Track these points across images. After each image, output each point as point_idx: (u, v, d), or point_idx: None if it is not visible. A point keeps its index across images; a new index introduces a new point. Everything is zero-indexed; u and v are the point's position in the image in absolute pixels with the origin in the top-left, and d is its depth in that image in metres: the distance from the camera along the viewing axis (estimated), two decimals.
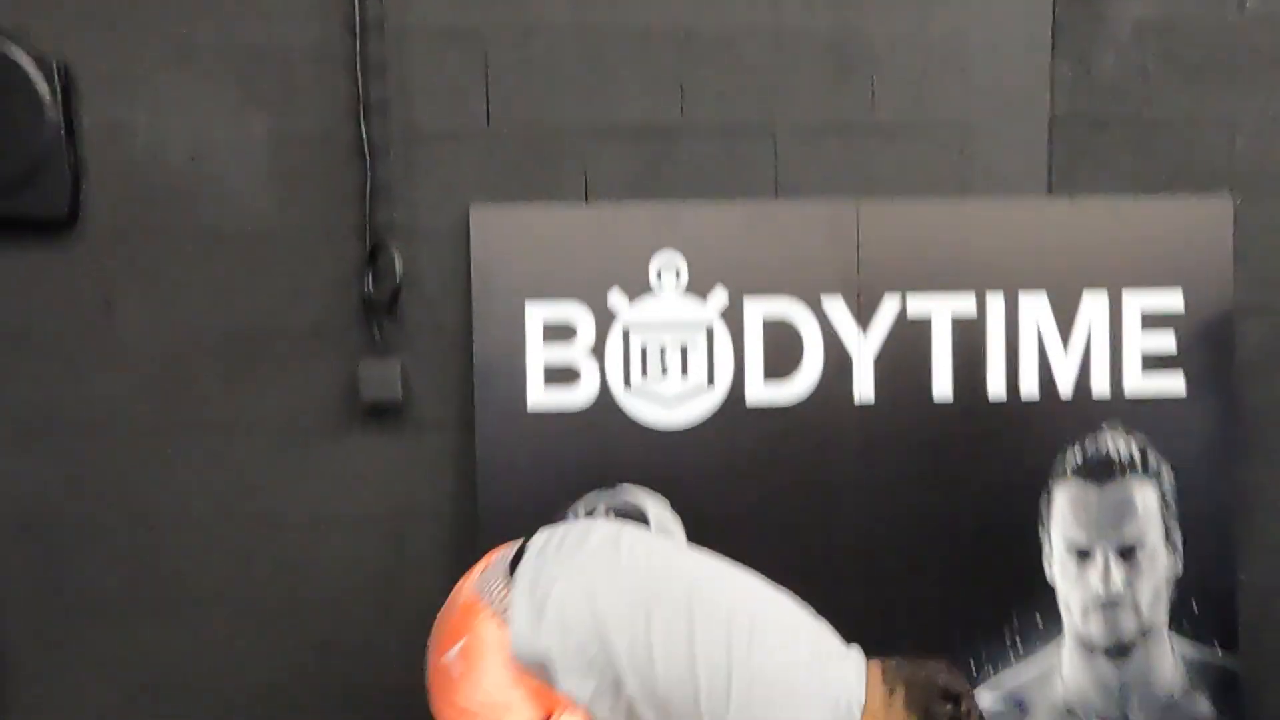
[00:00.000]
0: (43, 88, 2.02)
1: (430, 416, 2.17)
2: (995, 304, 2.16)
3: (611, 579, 1.37)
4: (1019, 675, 2.20)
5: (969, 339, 2.16)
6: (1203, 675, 2.21)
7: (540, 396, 2.11)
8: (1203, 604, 2.20)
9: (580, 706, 1.23)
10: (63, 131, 2.04)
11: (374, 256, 2.11)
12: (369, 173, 2.08)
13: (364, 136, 2.07)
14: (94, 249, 2.11)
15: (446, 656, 1.23)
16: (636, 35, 2.11)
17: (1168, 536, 2.20)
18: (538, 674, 1.21)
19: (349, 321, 2.13)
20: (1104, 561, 2.18)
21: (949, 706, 1.33)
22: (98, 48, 2.06)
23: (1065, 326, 2.17)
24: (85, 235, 2.10)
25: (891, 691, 1.36)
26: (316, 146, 2.10)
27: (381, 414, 2.15)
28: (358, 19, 2.05)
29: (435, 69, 2.10)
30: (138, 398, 2.14)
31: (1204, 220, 2.18)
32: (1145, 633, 2.20)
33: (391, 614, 2.20)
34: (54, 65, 2.02)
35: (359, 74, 2.06)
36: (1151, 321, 2.19)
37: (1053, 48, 2.13)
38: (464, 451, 2.15)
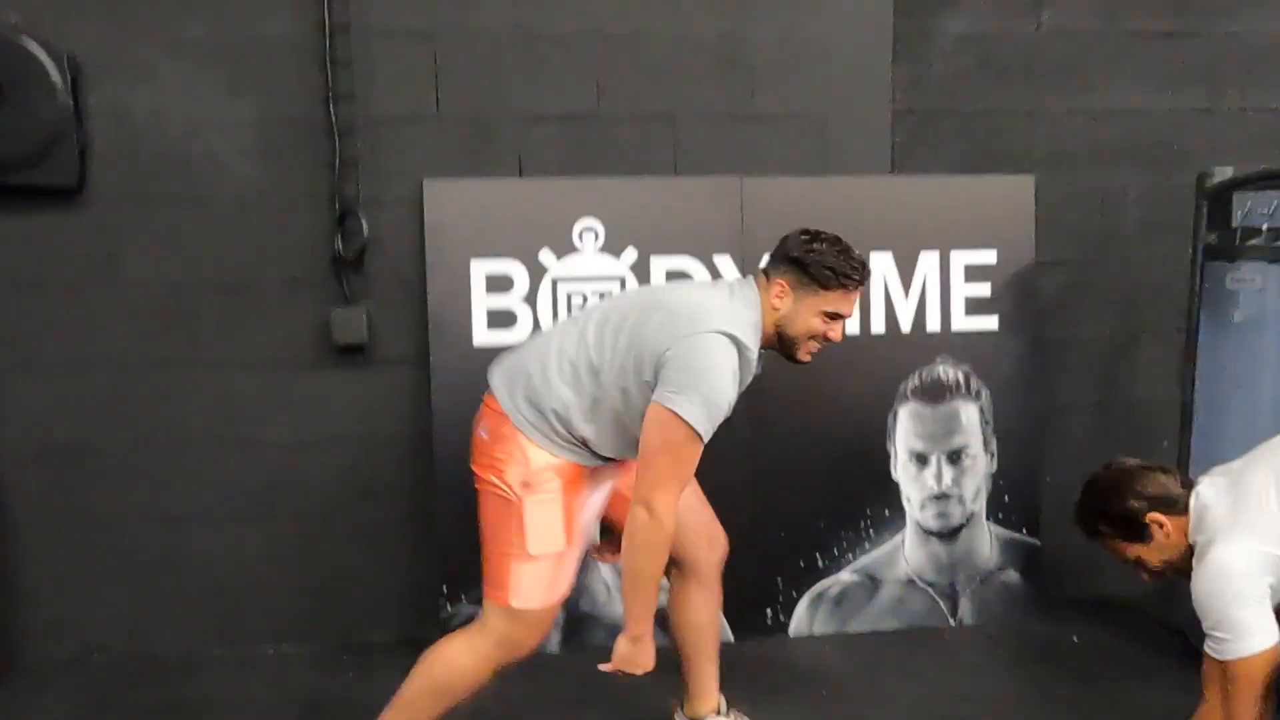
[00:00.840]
0: (54, 75, 2.37)
1: (391, 354, 2.60)
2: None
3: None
4: (872, 556, 2.75)
5: None
6: (1013, 553, 2.81)
7: (484, 336, 2.56)
8: (1013, 497, 2.79)
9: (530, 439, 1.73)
10: (72, 113, 2.40)
11: (343, 221, 2.53)
12: (338, 151, 2.49)
13: (333, 120, 2.49)
14: (98, 213, 2.48)
15: (480, 433, 1.79)
16: (562, 38, 2.57)
17: (986, 445, 2.78)
18: (524, 430, 1.74)
19: (323, 275, 2.55)
20: (937, 465, 2.75)
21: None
22: (102, 40, 2.42)
23: (906, 278, 2.72)
24: (91, 202, 2.47)
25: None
26: (294, 128, 2.50)
27: (350, 353, 2.58)
28: (327, 20, 2.46)
29: (393, 64, 2.52)
30: (139, 338, 2.52)
31: (1012, 194, 2.75)
32: (968, 520, 2.78)
33: (359, 519, 2.64)
34: (64, 55, 2.38)
35: (328, 67, 2.47)
36: (972, 274, 2.75)
37: (894, 55, 2.66)
38: (420, 383, 2.58)
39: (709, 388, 1.62)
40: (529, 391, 1.75)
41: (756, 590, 2.67)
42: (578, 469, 1.77)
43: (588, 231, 2.60)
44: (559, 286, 2.59)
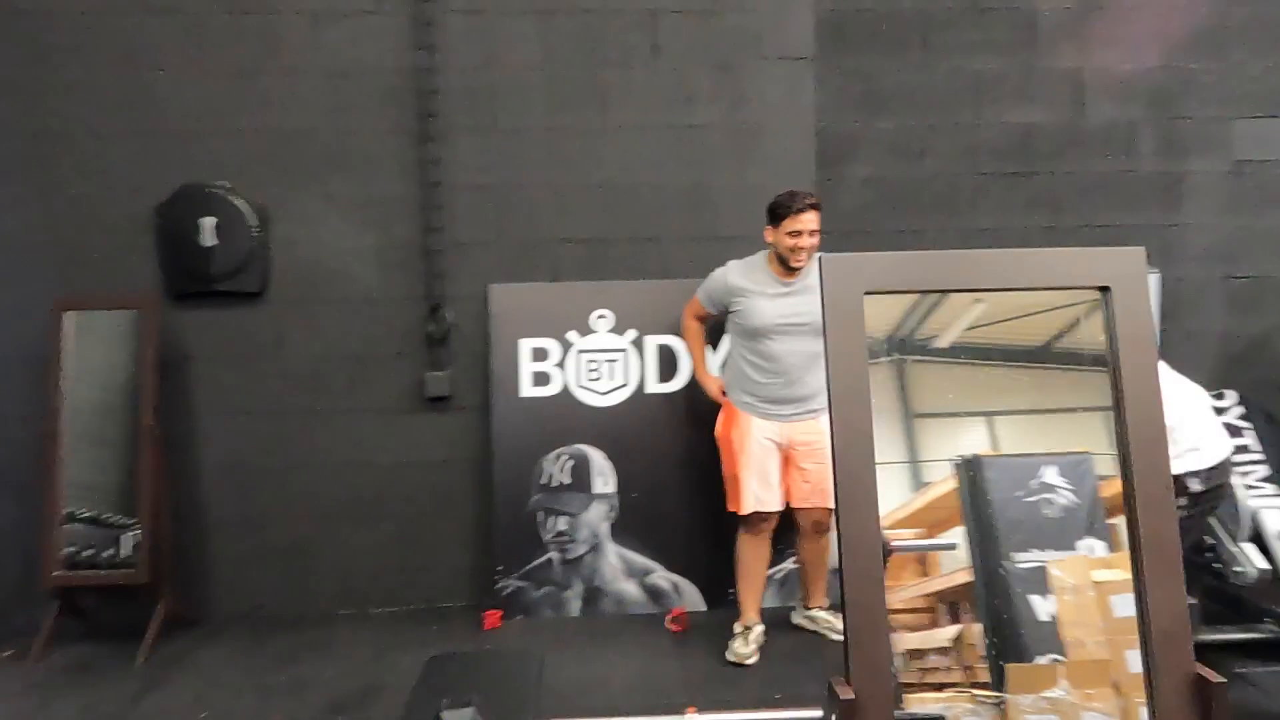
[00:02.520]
0: (250, 219, 3.62)
1: (464, 404, 3.74)
2: None
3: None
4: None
5: None
6: None
7: (528, 391, 3.69)
8: None
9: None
10: (260, 243, 3.64)
11: (434, 312, 3.70)
12: (430, 266, 3.68)
13: (428, 245, 3.68)
14: (273, 309, 3.69)
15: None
16: (582, 188, 3.73)
17: None
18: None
19: (419, 349, 3.72)
20: None
21: None
22: (280, 195, 3.67)
23: None
24: (269, 301, 3.69)
25: None
26: (402, 250, 3.70)
27: (437, 402, 3.72)
28: (425, 180, 3.67)
29: (468, 207, 3.71)
30: (296, 392, 3.71)
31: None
32: None
33: (440, 518, 3.75)
34: (257, 206, 3.63)
35: (425, 210, 3.68)
36: None
37: (815, 191, 3.76)
38: (484, 424, 3.71)
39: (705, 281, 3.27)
40: None
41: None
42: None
43: (601, 318, 3.72)
44: (581, 356, 3.72)
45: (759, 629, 3.24)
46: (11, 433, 3.53)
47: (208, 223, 3.59)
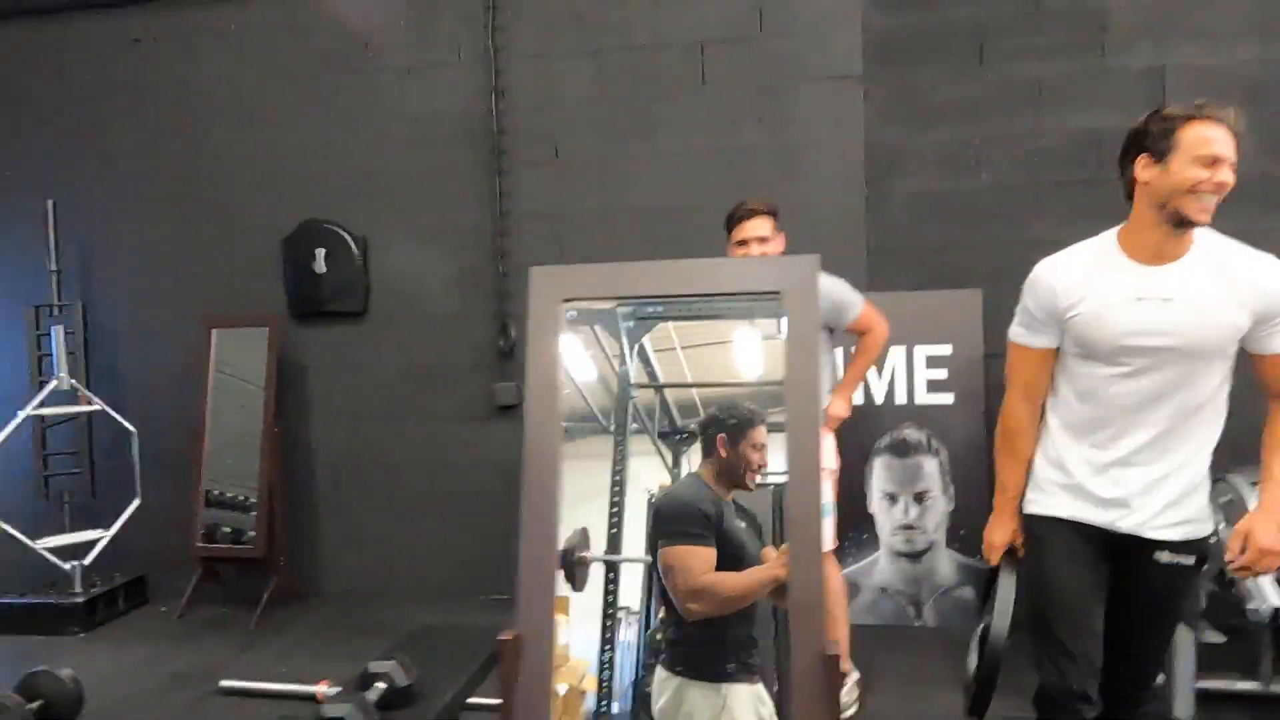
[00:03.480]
0: (354, 247, 4.20)
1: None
2: (840, 352, 3.79)
3: None
4: (852, 568, 3.75)
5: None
6: (967, 574, 3.66)
7: None
8: (967, 530, 3.66)
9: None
10: (362, 268, 4.21)
11: (503, 329, 4.10)
12: (500, 285, 4.08)
13: (499, 268, 4.08)
14: (372, 326, 4.25)
15: None
16: (635, 211, 3.98)
17: (945, 490, 3.69)
18: None
19: (491, 362, 4.13)
20: (904, 503, 3.71)
21: None
22: (377, 227, 4.22)
23: (879, 366, 3.75)
24: (369, 319, 4.25)
25: None
26: (476, 274, 4.13)
27: (506, 410, 4.10)
28: (496, 211, 4.07)
29: (533, 233, 4.08)
30: (388, 400, 4.23)
31: (964, 303, 3.70)
32: (930, 546, 3.69)
33: (508, 513, 4.10)
34: (358, 236, 4.20)
35: (496, 238, 4.09)
36: (934, 363, 3.72)
37: (866, 207, 3.77)
38: None
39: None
40: None
41: None
42: None
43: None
44: None
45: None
46: (170, 429, 4.30)
47: (320, 253, 4.21)
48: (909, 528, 3.72)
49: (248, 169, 4.33)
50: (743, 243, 2.85)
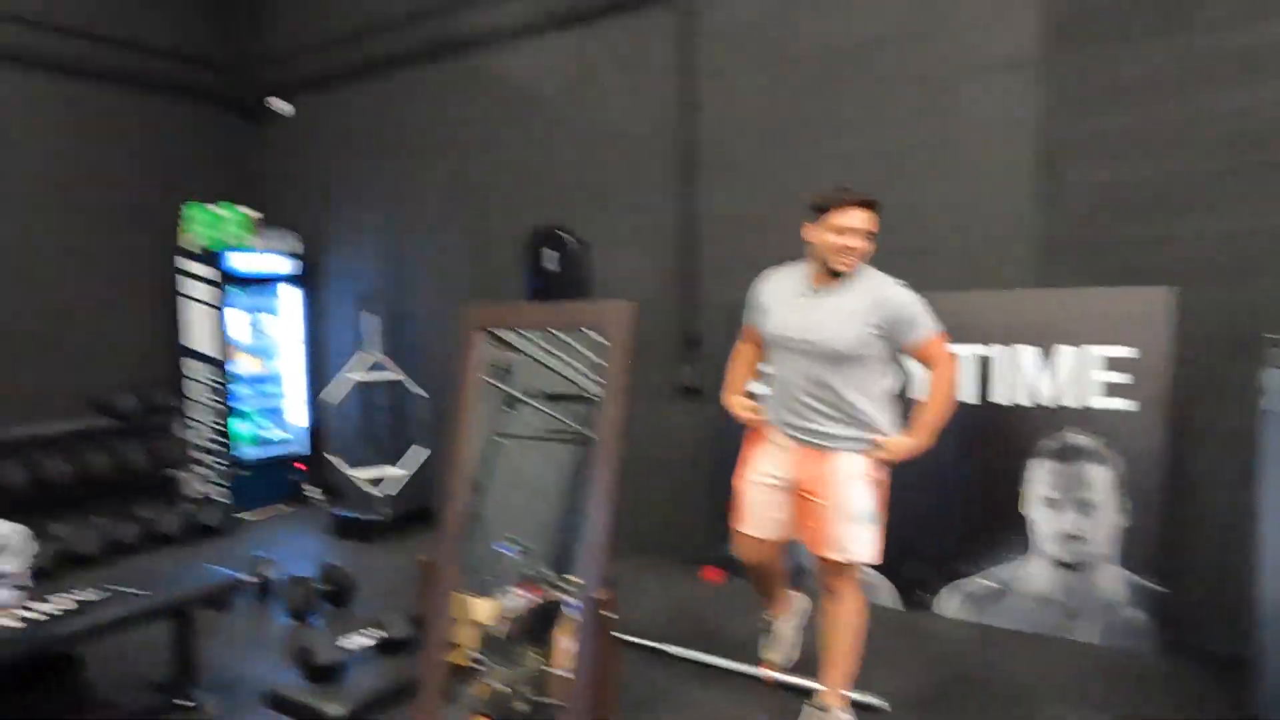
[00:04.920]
0: (579, 249, 4.97)
1: (709, 392, 4.55)
2: (1002, 350, 3.69)
3: None
4: (1006, 571, 3.67)
5: (984, 369, 3.73)
6: (1140, 595, 3.39)
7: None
8: (1143, 549, 3.39)
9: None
10: (584, 265, 4.96)
11: (690, 319, 4.59)
12: (688, 280, 4.57)
13: (690, 270, 4.57)
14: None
15: None
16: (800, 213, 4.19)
17: (1117, 502, 3.44)
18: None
19: (679, 349, 4.65)
20: (1067, 511, 3.54)
21: None
22: (594, 229, 4.93)
23: (1047, 365, 3.59)
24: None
25: None
26: (669, 274, 4.65)
27: (690, 391, 4.61)
28: (689, 212, 4.55)
29: (718, 233, 4.49)
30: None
31: (1151, 302, 3.38)
32: (1094, 559, 3.48)
33: (694, 475, 4.62)
34: (580, 238, 4.96)
35: (685, 238, 4.57)
36: (1115, 365, 3.46)
37: (1038, 201, 3.60)
38: (719, 410, 4.47)
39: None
40: None
41: (914, 578, 3.86)
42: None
43: None
44: None
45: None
46: (442, 397, 5.47)
47: (550, 254, 5.04)
48: (1071, 537, 3.55)
49: (502, 187, 5.30)
50: (842, 230, 2.55)
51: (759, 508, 2.81)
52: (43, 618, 2.75)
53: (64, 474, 5.01)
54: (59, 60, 5.50)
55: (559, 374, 2.18)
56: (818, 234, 2.63)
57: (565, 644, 2.05)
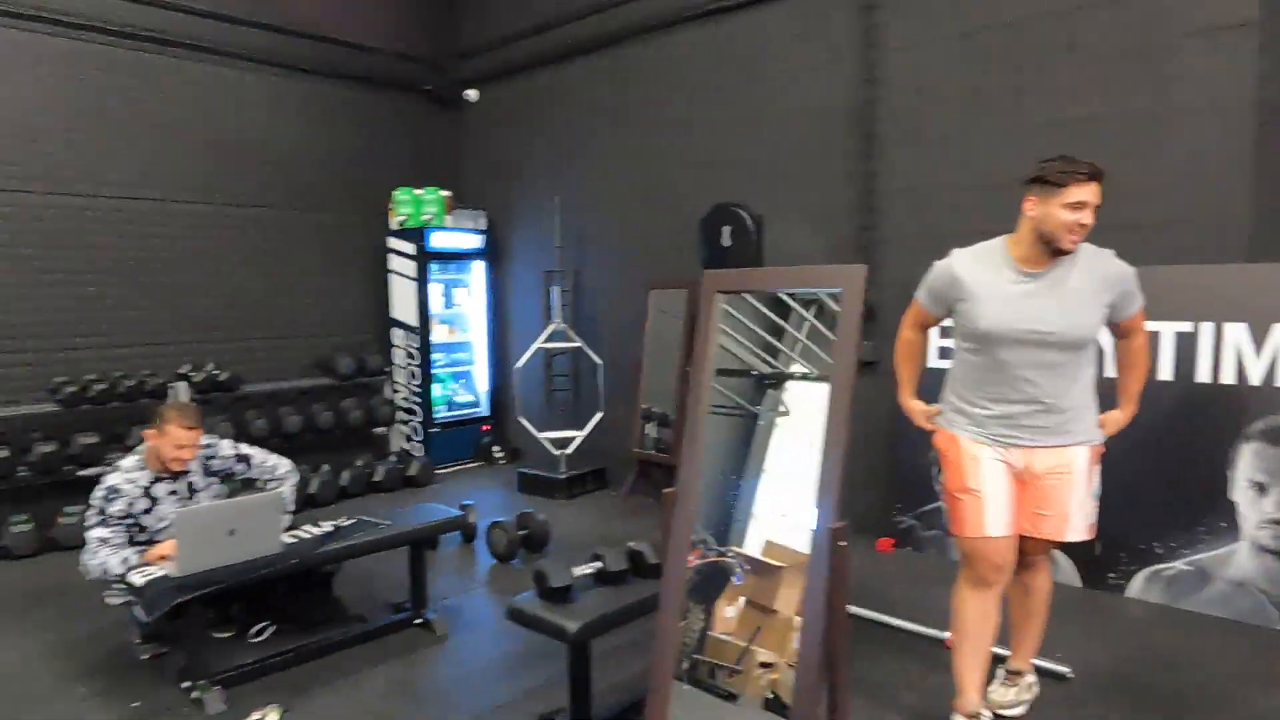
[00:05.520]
0: (750, 224, 5.13)
1: (886, 368, 4.60)
2: (1209, 327, 3.55)
3: None
4: (1205, 555, 3.55)
5: (1189, 346, 3.60)
6: None
7: (935, 362, 4.35)
8: None
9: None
10: (756, 240, 5.12)
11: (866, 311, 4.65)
12: (865, 255, 4.63)
13: (865, 241, 4.64)
14: None
15: None
16: (999, 185, 4.16)
17: None
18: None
19: None
20: (1276, 495, 3.38)
21: None
22: (769, 207, 5.07)
23: (1258, 344, 3.43)
24: None
25: None
26: (845, 244, 4.73)
27: (868, 365, 4.69)
28: (867, 187, 4.61)
29: (897, 208, 4.52)
30: None
31: None
32: None
33: (870, 449, 4.71)
34: (755, 216, 5.12)
35: (862, 213, 4.63)
36: None
37: (1255, 171, 3.42)
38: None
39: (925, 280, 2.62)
40: None
41: (1105, 559, 3.80)
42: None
43: None
44: None
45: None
46: (622, 362, 5.81)
47: (726, 230, 5.23)
48: (1278, 522, 3.39)
49: (678, 165, 5.54)
50: (1078, 205, 2.29)
51: (996, 502, 2.46)
52: (308, 537, 3.25)
53: (295, 424, 5.73)
54: (295, 60, 6.21)
55: (727, 350, 2.35)
56: (1044, 210, 2.31)
57: (726, 611, 2.23)
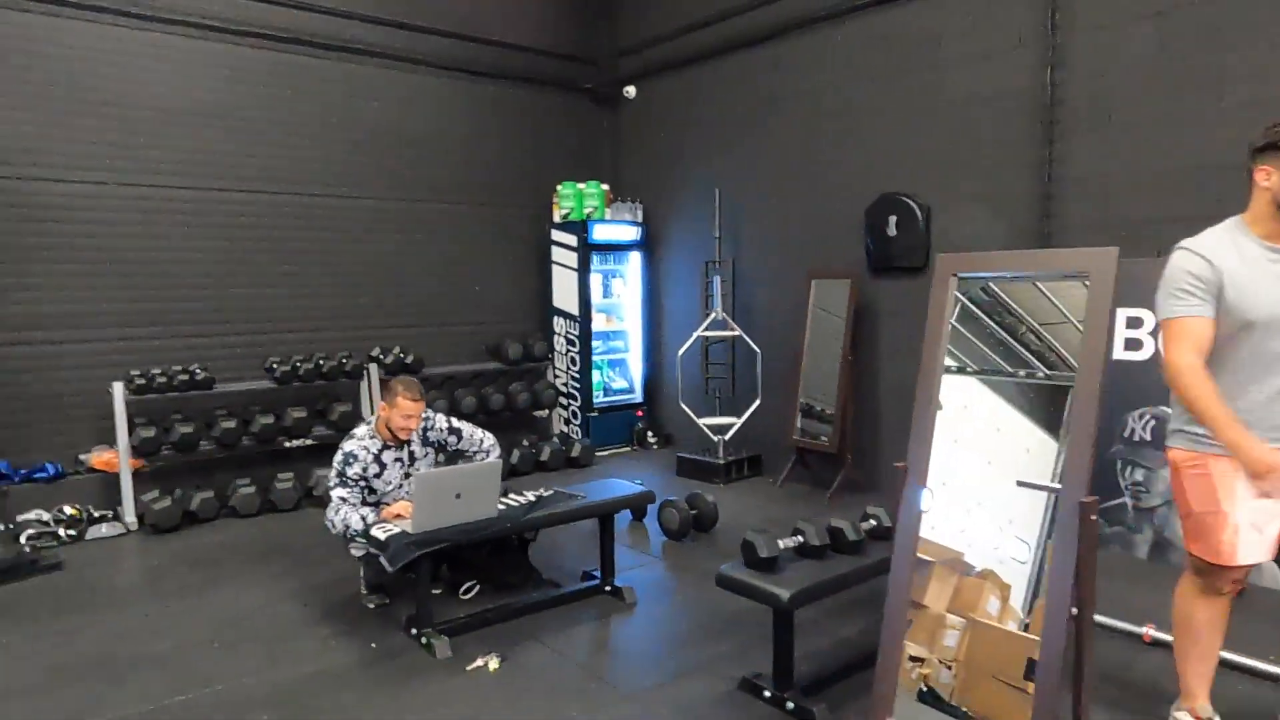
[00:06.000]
0: (919, 214, 5.11)
1: None
2: None
3: None
4: None
5: None
6: None
7: (1121, 354, 4.23)
8: None
9: None
10: (924, 231, 5.10)
11: None
12: (1045, 244, 4.54)
13: (1045, 230, 4.54)
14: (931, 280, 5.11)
15: None
16: (1192, 170, 4.00)
17: None
18: None
19: None
20: None
21: None
22: (936, 197, 5.04)
23: None
24: (928, 274, 5.12)
25: None
26: (1023, 233, 4.64)
27: None
28: (1047, 174, 4.51)
29: (1080, 195, 4.40)
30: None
31: None
32: None
33: None
34: (923, 206, 5.09)
35: (1042, 201, 4.53)
36: None
37: None
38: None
39: (1163, 286, 2.33)
40: None
41: None
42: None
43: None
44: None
45: None
46: (781, 352, 5.90)
47: (892, 220, 5.23)
48: None
49: (843, 155, 5.57)
50: None
51: (1255, 533, 2.27)
52: (516, 505, 3.53)
53: (470, 405, 6.14)
54: (465, 64, 6.62)
55: None
56: None
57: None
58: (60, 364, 5.16)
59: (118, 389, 4.97)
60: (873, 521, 3.00)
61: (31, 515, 4.75)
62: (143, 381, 5.04)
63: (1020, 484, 2.25)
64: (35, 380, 5.10)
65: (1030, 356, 2.48)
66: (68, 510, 4.83)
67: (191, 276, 5.56)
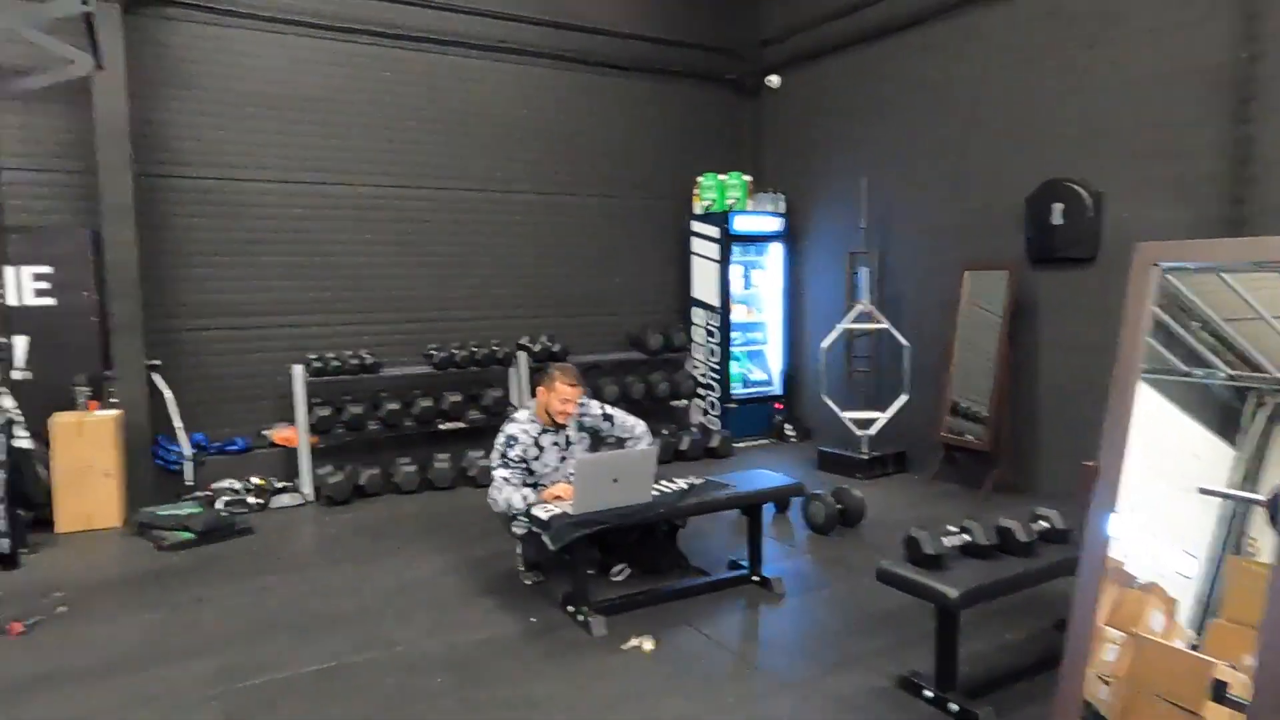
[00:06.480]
0: (1088, 202, 4.81)
1: None
2: None
3: None
4: None
5: None
6: None
7: None
8: None
9: None
10: (1094, 220, 4.80)
11: None
12: (1238, 231, 4.17)
13: (1239, 216, 4.18)
14: (1101, 272, 4.81)
15: None
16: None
17: None
18: None
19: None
20: None
21: None
22: (1112, 184, 4.72)
23: None
24: (1098, 265, 4.82)
25: None
26: (1211, 220, 4.29)
27: None
28: (1240, 156, 4.15)
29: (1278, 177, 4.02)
30: (1105, 337, 4.79)
31: None
32: None
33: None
34: (1093, 193, 4.79)
35: (1235, 184, 4.16)
36: None
37: None
38: None
39: None
40: None
41: None
42: None
43: None
44: None
45: None
46: (930, 346, 5.71)
47: (1057, 207, 4.95)
48: None
49: (1001, 141, 5.32)
50: None
51: None
52: (669, 491, 3.60)
53: (613, 393, 6.28)
54: (610, 59, 6.76)
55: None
56: None
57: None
58: (247, 347, 5.67)
59: (298, 371, 5.42)
60: (1044, 524, 2.86)
61: (224, 484, 5.25)
62: (319, 365, 5.46)
63: (1204, 491, 2.09)
64: (227, 363, 5.62)
65: (1209, 355, 2.31)
66: (255, 480, 5.31)
67: (359, 268, 5.97)
